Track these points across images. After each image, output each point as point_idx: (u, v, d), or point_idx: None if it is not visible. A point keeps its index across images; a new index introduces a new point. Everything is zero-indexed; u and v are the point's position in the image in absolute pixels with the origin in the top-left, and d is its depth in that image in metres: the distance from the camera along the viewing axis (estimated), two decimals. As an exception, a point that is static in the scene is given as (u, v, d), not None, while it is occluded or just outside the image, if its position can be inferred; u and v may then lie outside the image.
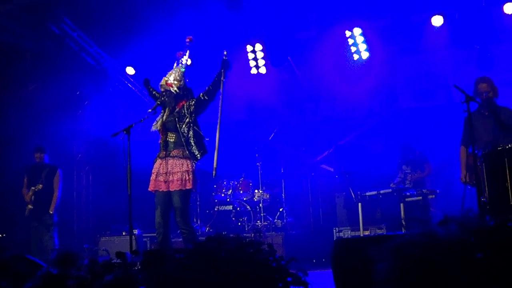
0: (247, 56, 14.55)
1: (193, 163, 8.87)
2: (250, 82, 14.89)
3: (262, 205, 13.61)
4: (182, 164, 8.81)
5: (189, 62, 9.49)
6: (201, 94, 9.17)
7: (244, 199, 14.05)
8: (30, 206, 12.29)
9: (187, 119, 8.93)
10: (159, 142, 9.05)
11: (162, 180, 8.81)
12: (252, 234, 11.64)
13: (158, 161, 8.92)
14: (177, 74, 9.25)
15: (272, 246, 4.69)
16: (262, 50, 14.47)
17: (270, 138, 14.44)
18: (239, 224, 13.80)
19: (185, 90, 9.20)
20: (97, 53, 14.02)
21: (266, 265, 4.54)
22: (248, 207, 13.82)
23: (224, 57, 9.37)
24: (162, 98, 9.11)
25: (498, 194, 7.25)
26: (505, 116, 9.19)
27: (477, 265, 4.02)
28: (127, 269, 4.77)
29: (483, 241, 4.15)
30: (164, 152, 8.90)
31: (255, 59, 14.55)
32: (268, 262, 4.57)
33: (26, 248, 11.87)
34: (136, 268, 4.88)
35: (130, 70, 14.69)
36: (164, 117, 8.98)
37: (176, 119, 8.92)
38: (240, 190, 14.19)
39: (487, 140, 8.81)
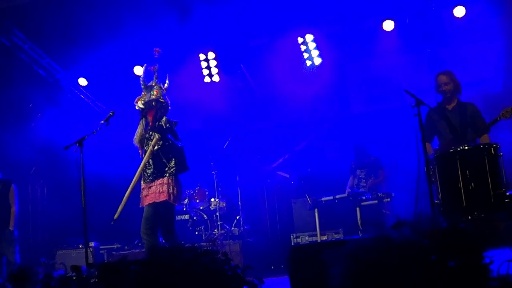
0: (200, 65, 14.52)
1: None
2: (204, 90, 14.85)
3: (219, 213, 13.57)
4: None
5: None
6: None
7: (201, 208, 14.01)
8: None
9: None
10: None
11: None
12: (208, 244, 11.61)
13: None
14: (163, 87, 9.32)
15: (227, 255, 4.70)
16: (215, 59, 14.45)
17: (224, 146, 14.44)
18: (196, 233, 13.75)
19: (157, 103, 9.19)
20: (49, 64, 13.91)
21: (222, 274, 4.55)
22: (204, 216, 13.77)
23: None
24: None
25: (451, 196, 7.32)
26: (470, 110, 8.99)
27: (431, 267, 4.06)
28: (83, 282, 4.75)
29: (436, 243, 4.20)
30: None
31: (208, 67, 14.52)
32: (223, 271, 4.57)
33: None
34: (92, 281, 4.85)
35: (82, 81, 14.59)
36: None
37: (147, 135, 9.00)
38: (196, 199, 14.15)
39: (451, 136, 8.68)
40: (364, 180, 12.84)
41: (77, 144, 8.62)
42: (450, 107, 9.07)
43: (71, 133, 11.80)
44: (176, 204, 9.01)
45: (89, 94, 15.07)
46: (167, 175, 8.87)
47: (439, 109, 8.95)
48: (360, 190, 12.57)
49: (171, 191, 8.81)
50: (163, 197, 8.75)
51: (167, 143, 8.92)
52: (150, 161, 8.91)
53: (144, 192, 8.90)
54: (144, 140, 9.05)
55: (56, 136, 13.61)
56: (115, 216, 8.73)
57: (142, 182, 8.95)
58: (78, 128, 12.33)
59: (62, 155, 11.22)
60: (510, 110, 8.23)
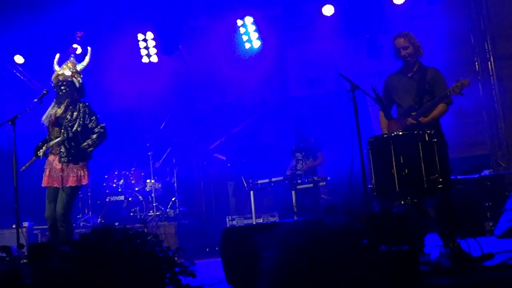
0: (139, 45, 14.42)
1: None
2: (141, 70, 14.76)
3: (154, 195, 13.50)
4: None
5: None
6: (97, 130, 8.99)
7: (136, 189, 13.91)
8: None
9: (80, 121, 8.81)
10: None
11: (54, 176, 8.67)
12: (142, 225, 11.54)
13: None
14: (78, 67, 9.11)
15: (158, 236, 4.68)
16: (153, 39, 14.38)
17: (161, 127, 14.34)
18: (131, 214, 13.66)
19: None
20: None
21: (153, 256, 4.53)
22: (140, 197, 13.68)
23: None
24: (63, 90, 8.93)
25: (384, 180, 7.36)
26: (431, 75, 8.16)
27: (362, 251, 4.08)
28: (13, 263, 4.68)
29: (368, 228, 4.22)
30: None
31: (147, 47, 14.45)
32: (154, 253, 4.55)
33: None
34: (22, 262, 4.79)
35: (19, 59, 14.36)
36: (59, 112, 8.82)
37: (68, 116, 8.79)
38: (132, 180, 14.04)
39: (409, 103, 8.33)
40: (301, 162, 12.83)
41: (10, 122, 8.51)
42: (409, 73, 8.32)
43: (5, 112, 11.62)
44: None
45: (25, 72, 14.83)
46: (86, 158, 8.79)
47: (396, 77, 8.44)
48: (297, 172, 12.58)
49: (88, 174, 8.78)
50: (84, 181, 8.69)
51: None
52: (70, 142, 8.73)
53: (65, 172, 8.66)
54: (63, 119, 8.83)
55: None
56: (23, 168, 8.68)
57: (56, 160, 8.71)
58: (13, 107, 12.14)
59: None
60: (460, 85, 7.83)
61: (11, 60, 14.54)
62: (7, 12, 12.95)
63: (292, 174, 12.34)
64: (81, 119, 8.74)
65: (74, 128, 8.68)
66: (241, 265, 5.75)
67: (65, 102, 8.76)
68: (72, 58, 9.24)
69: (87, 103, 8.91)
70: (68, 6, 12.82)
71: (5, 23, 13.15)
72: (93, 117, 8.85)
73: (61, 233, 8.54)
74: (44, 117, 8.83)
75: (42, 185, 8.67)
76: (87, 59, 9.22)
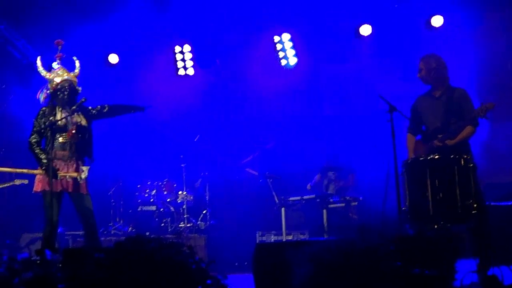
0: (175, 57, 14.49)
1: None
2: (177, 83, 14.83)
3: (186, 206, 13.55)
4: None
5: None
6: (106, 105, 9.07)
7: (168, 200, 13.97)
8: None
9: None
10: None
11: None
12: (174, 236, 11.59)
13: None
14: (73, 73, 9.13)
15: (192, 248, 4.70)
16: (190, 52, 14.45)
17: (195, 140, 14.39)
18: (162, 225, 13.71)
19: None
20: (23, 46, 13.76)
21: (186, 267, 4.54)
22: (171, 208, 13.74)
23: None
24: (61, 96, 8.93)
25: (418, 203, 7.33)
26: (458, 96, 8.17)
27: (395, 273, 4.07)
28: (47, 267, 4.73)
29: (402, 250, 4.21)
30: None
31: (183, 60, 14.51)
32: (188, 264, 4.57)
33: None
34: (56, 266, 4.83)
35: (56, 66, 14.45)
36: (59, 116, 8.80)
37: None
38: (164, 191, 14.10)
39: (435, 126, 8.18)
40: (333, 183, 12.83)
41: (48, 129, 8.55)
42: (437, 93, 8.35)
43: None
44: None
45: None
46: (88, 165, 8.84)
47: (424, 98, 8.51)
48: (329, 192, 12.56)
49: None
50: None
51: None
52: (74, 147, 8.75)
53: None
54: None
55: (27, 118, 13.48)
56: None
57: (63, 164, 8.66)
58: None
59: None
60: (484, 108, 7.80)
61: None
62: (46, 19, 13.06)
63: (323, 193, 12.31)
64: None
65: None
66: (273, 281, 5.76)
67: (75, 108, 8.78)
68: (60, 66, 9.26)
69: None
70: (107, 17, 12.93)
71: (46, 30, 13.23)
72: None
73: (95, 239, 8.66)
74: (60, 123, 8.71)
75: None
76: (78, 69, 9.26)
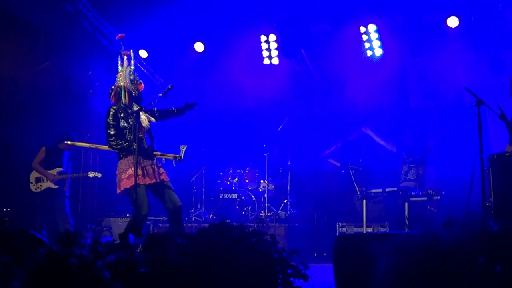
0: (261, 46, 14.52)
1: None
2: (262, 72, 14.85)
3: (267, 195, 13.62)
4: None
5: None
6: (155, 109, 9.18)
7: (250, 188, 14.06)
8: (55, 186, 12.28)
9: None
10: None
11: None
12: (256, 224, 11.64)
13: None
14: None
15: (274, 237, 4.72)
16: (276, 41, 14.44)
17: (278, 129, 14.42)
18: (243, 213, 13.81)
19: None
20: (111, 33, 13.96)
21: (268, 255, 4.56)
22: (253, 196, 13.82)
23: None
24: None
25: (503, 199, 7.22)
26: None
27: (478, 270, 4.02)
28: (129, 251, 4.79)
29: (486, 246, 4.15)
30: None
31: (269, 49, 14.52)
32: (269, 253, 4.59)
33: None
34: (138, 251, 4.90)
35: (143, 53, 14.65)
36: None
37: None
38: (246, 179, 14.19)
39: None
40: (413, 169, 12.68)
41: (134, 116, 8.66)
42: None
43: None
44: None
45: (149, 66, 15.13)
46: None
47: None
48: (408, 184, 12.42)
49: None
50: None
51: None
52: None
53: (159, 169, 8.88)
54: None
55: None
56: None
57: (141, 158, 8.73)
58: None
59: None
60: None
61: (135, 55, 14.86)
62: (134, 7, 13.22)
63: (406, 186, 12.21)
64: None
65: None
66: (353, 273, 5.73)
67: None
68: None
69: None
70: (189, 4, 13.04)
71: (133, 18, 13.40)
72: None
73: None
74: (146, 123, 8.90)
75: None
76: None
